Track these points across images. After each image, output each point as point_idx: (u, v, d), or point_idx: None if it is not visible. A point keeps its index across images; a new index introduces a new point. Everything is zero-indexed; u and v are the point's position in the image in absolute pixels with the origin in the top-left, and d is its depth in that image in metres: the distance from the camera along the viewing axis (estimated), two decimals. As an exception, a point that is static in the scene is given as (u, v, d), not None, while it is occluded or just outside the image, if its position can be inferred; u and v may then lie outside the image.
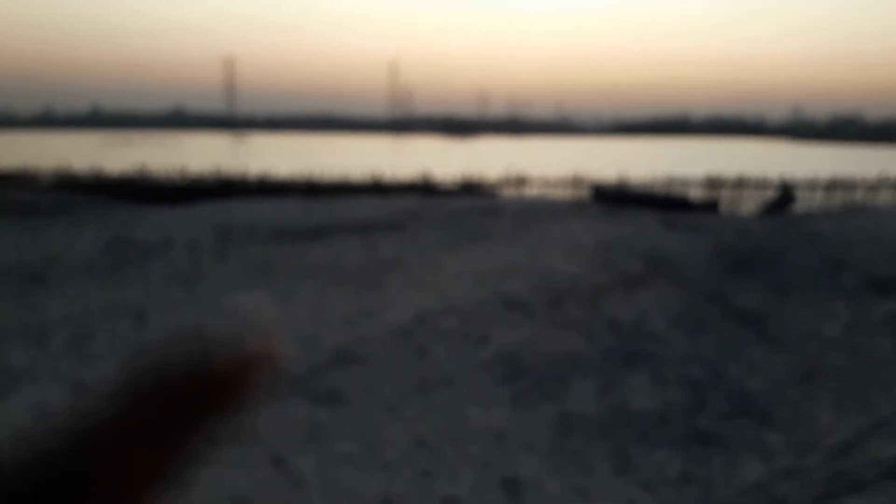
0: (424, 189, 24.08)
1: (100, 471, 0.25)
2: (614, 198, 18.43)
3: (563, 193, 24.11)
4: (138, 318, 8.35)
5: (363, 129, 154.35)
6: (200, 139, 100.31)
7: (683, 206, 18.34)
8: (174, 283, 9.93)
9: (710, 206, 19.18)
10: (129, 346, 7.45)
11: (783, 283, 8.97)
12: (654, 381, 6.49)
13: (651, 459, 5.19)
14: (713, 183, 25.06)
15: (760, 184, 24.63)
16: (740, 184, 24.93)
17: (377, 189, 24.19)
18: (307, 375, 6.58)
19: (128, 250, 11.88)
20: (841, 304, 8.21)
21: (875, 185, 24.99)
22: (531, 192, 24.95)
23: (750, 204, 22.35)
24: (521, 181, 25.75)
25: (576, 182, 25.04)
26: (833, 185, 24.69)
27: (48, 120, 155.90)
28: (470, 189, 24.61)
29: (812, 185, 24.46)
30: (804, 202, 22.09)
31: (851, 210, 15.11)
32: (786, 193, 20.69)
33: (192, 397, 0.26)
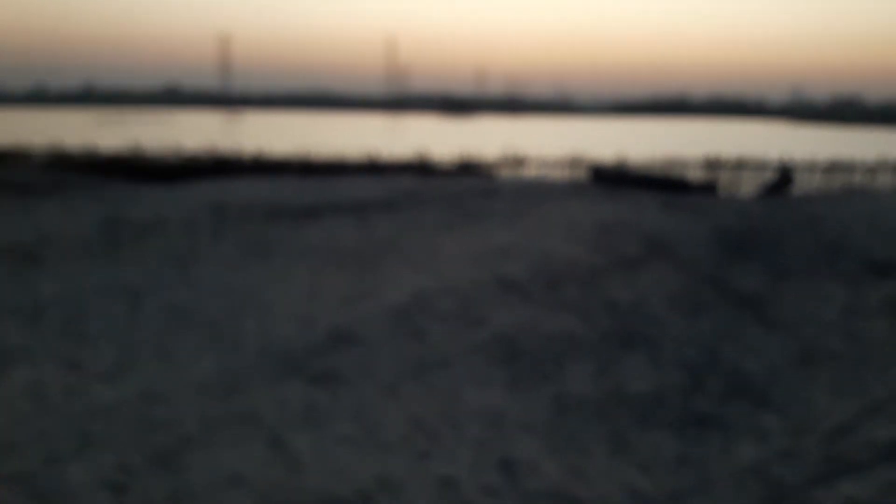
0: (421, 169, 23.98)
1: None
2: (613, 179, 18.36)
3: (561, 174, 24.03)
4: (133, 298, 8.31)
5: (359, 107, 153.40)
6: (195, 117, 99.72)
7: (682, 187, 18.28)
8: (169, 263, 9.88)
9: (709, 188, 19.13)
10: (123, 326, 7.42)
11: (781, 266, 8.95)
12: (652, 363, 6.48)
13: (648, 441, 5.19)
14: (712, 164, 24.99)
15: (759, 166, 24.57)
16: (739, 165, 24.86)
17: (373, 168, 24.08)
18: (304, 356, 6.56)
19: (122, 230, 11.81)
20: (838, 286, 8.20)
21: (874, 168, 24.94)
22: (529, 172, 24.86)
23: (749, 186, 22.30)
24: (519, 162, 25.65)
25: (574, 163, 24.95)
26: (832, 168, 24.64)
27: (40, 97, 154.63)
28: (467, 169, 24.51)
29: (811, 167, 24.41)
30: (803, 184, 22.05)
31: (850, 193, 15.08)
32: (784, 176, 20.64)
33: None
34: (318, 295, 8.36)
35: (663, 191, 16.39)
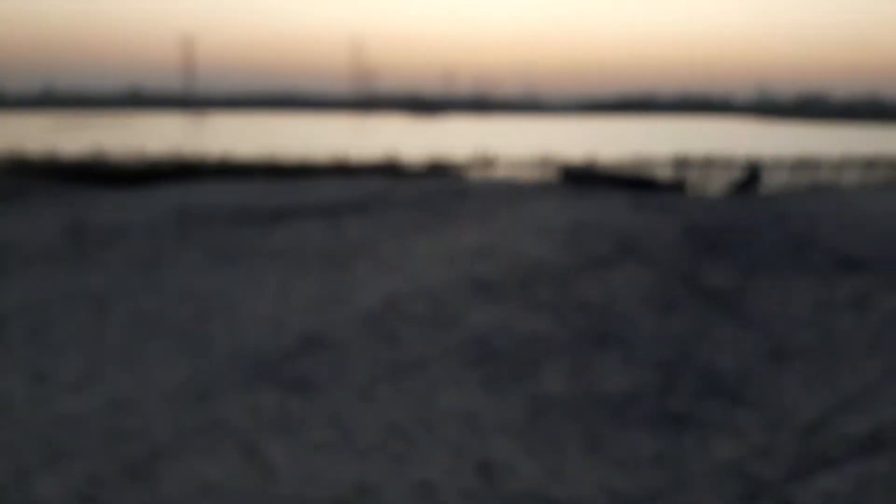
0: (391, 170, 23.90)
1: None
2: (583, 178, 18.47)
3: (531, 174, 24.11)
4: (99, 305, 8.13)
5: (326, 108, 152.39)
6: (158, 119, 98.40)
7: (651, 186, 18.44)
8: (135, 269, 9.69)
9: (678, 187, 19.33)
10: (89, 334, 7.24)
11: (751, 263, 9.04)
12: (626, 362, 6.49)
13: (624, 440, 5.19)
14: (681, 163, 25.26)
15: (727, 163, 24.88)
16: (707, 164, 25.16)
17: (342, 170, 23.94)
18: (276, 362, 6.46)
19: (85, 236, 11.57)
20: (808, 282, 8.30)
21: (840, 164, 25.41)
22: (499, 173, 24.90)
23: (717, 184, 22.56)
24: (489, 162, 25.68)
25: (544, 163, 25.04)
26: (799, 165, 25.05)
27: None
28: (437, 170, 24.48)
29: (778, 164, 24.78)
30: (771, 182, 22.37)
31: (817, 189, 15.33)
32: (752, 173, 20.93)
33: None
34: (289, 299, 8.26)
35: (633, 190, 16.51)
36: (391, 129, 77.70)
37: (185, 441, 5.02)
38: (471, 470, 4.72)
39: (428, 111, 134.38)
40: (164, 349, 6.83)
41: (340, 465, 4.74)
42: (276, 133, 65.14)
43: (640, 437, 5.23)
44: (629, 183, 18.03)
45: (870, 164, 25.86)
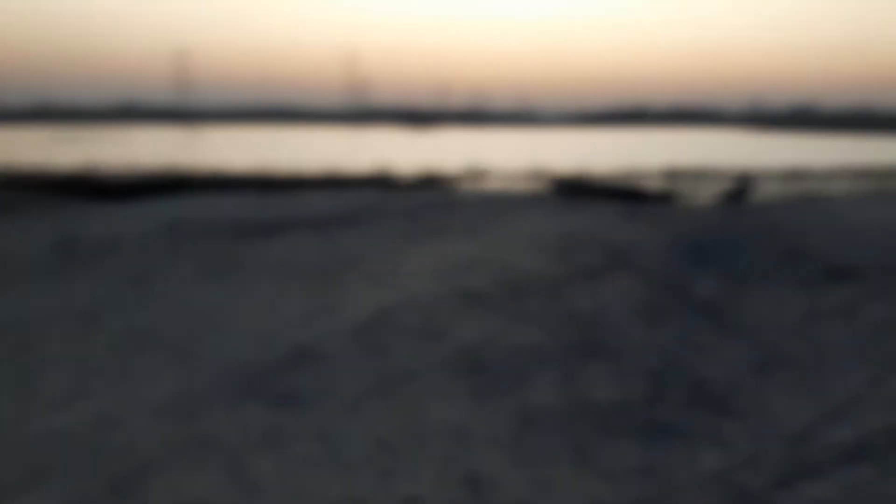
0: (383, 183, 23.96)
1: None
2: (574, 190, 18.54)
3: (523, 186, 24.18)
4: (88, 320, 8.11)
5: (320, 120, 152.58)
6: (152, 133, 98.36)
7: (642, 197, 18.52)
8: (126, 283, 9.67)
9: (669, 198, 19.41)
10: (78, 349, 7.22)
11: (741, 273, 9.07)
12: (615, 373, 6.50)
13: (612, 450, 5.19)
14: (671, 174, 25.38)
15: (718, 175, 25.01)
16: (698, 175, 25.29)
17: (335, 183, 23.98)
18: (264, 376, 6.45)
19: (77, 250, 11.54)
20: (797, 292, 8.33)
21: (831, 175, 25.56)
22: (491, 185, 24.98)
23: (708, 195, 22.67)
24: (480, 175, 25.76)
25: (536, 175, 25.14)
26: (790, 176, 25.19)
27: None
28: (430, 183, 24.55)
29: (769, 175, 24.93)
30: (761, 192, 22.48)
31: (808, 200, 15.40)
32: (742, 184, 21.05)
33: None
34: (279, 313, 8.25)
35: (624, 201, 16.58)
36: (385, 141, 77.84)
37: (172, 457, 5.00)
38: (458, 483, 4.71)
39: (422, 124, 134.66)
40: (154, 364, 6.81)
41: (328, 480, 4.73)
42: (269, 146, 65.18)
43: (628, 447, 5.24)
44: (620, 194, 18.11)
45: (860, 174, 26.03)
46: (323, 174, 25.02)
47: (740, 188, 20.71)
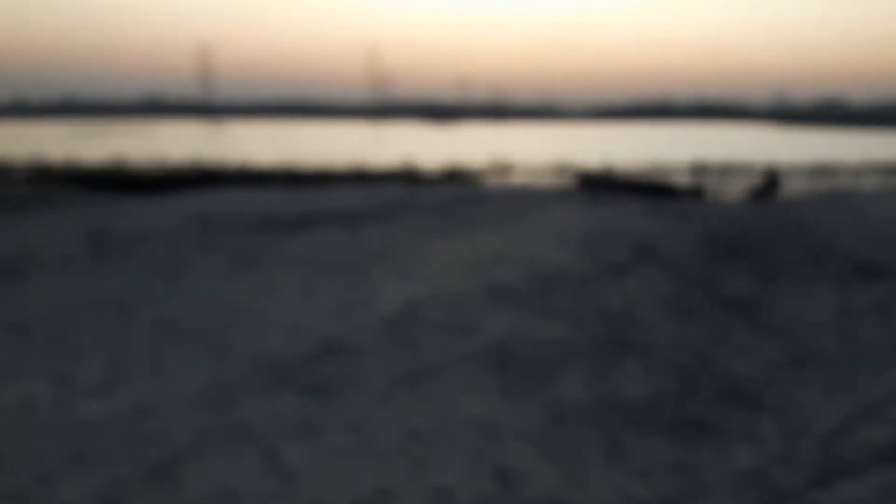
0: (408, 177, 23.99)
1: None
2: (599, 185, 18.45)
3: (548, 181, 24.09)
4: (121, 311, 8.23)
5: (343, 115, 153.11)
6: (177, 127, 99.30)
7: (669, 192, 18.39)
8: (156, 275, 9.80)
9: (696, 193, 19.25)
10: (112, 339, 7.33)
11: (770, 270, 8.99)
12: (644, 369, 6.48)
13: (643, 447, 5.18)
14: (698, 169, 25.14)
15: (745, 170, 24.74)
16: (725, 170, 25.03)
17: (360, 178, 24.06)
18: (296, 367, 6.51)
19: (107, 242, 11.71)
20: (828, 289, 8.25)
21: (859, 170, 25.19)
22: (516, 180, 24.92)
23: (735, 190, 22.43)
24: (505, 169, 25.71)
25: (561, 170, 25.03)
26: (818, 171, 24.86)
27: (21, 109, 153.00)
28: (455, 177, 24.55)
29: (797, 170, 24.61)
30: (789, 188, 22.21)
31: (836, 196, 15.22)
32: (771, 179, 20.79)
33: None
34: (309, 305, 8.32)
35: (650, 196, 16.47)
36: (408, 136, 77.94)
37: (206, 445, 5.08)
38: (489, 476, 4.73)
39: (444, 118, 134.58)
40: (186, 354, 6.90)
41: (360, 469, 4.78)
42: (294, 140, 65.52)
43: (659, 444, 5.23)
44: (646, 189, 17.99)
45: (889, 169, 25.63)
46: (349, 169, 25.10)
47: (768, 183, 20.47)
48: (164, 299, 8.70)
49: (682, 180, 23.54)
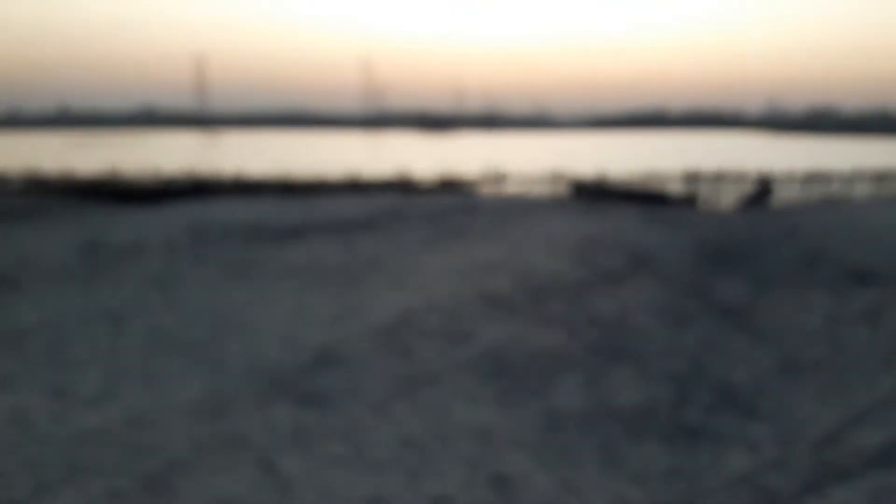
0: (403, 187, 24.02)
1: None
2: (594, 194, 18.52)
3: (542, 190, 24.15)
4: (116, 322, 8.22)
5: (337, 125, 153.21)
6: (172, 138, 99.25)
7: (662, 201, 18.47)
8: (151, 286, 9.79)
9: (689, 201, 19.34)
10: (107, 351, 7.33)
11: (763, 277, 9.04)
12: (639, 376, 6.51)
13: (638, 453, 5.20)
14: (691, 177, 25.24)
15: (738, 178, 24.84)
16: (718, 178, 25.13)
17: (354, 187, 24.08)
18: (291, 377, 6.52)
19: (102, 253, 11.70)
20: (820, 295, 8.30)
21: (851, 178, 25.33)
22: (510, 189, 24.97)
23: (728, 198, 22.53)
24: (500, 178, 25.78)
25: (555, 178, 25.09)
26: (810, 179, 24.99)
27: (15, 120, 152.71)
28: (449, 187, 24.58)
29: (789, 178, 24.73)
30: (782, 195, 22.32)
31: (829, 203, 15.31)
32: (763, 187, 20.90)
33: None
34: (304, 315, 8.33)
35: (644, 204, 16.54)
36: (402, 146, 78.04)
37: (202, 455, 5.08)
38: (485, 483, 4.75)
39: (439, 128, 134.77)
40: (181, 365, 6.90)
41: (356, 478, 4.78)
42: (288, 150, 65.54)
43: (654, 450, 5.25)
44: (640, 198, 18.07)
45: (881, 177, 25.78)
46: (343, 178, 25.12)
47: (761, 191, 20.59)
48: (158, 310, 8.70)
49: (676, 189, 23.62)
